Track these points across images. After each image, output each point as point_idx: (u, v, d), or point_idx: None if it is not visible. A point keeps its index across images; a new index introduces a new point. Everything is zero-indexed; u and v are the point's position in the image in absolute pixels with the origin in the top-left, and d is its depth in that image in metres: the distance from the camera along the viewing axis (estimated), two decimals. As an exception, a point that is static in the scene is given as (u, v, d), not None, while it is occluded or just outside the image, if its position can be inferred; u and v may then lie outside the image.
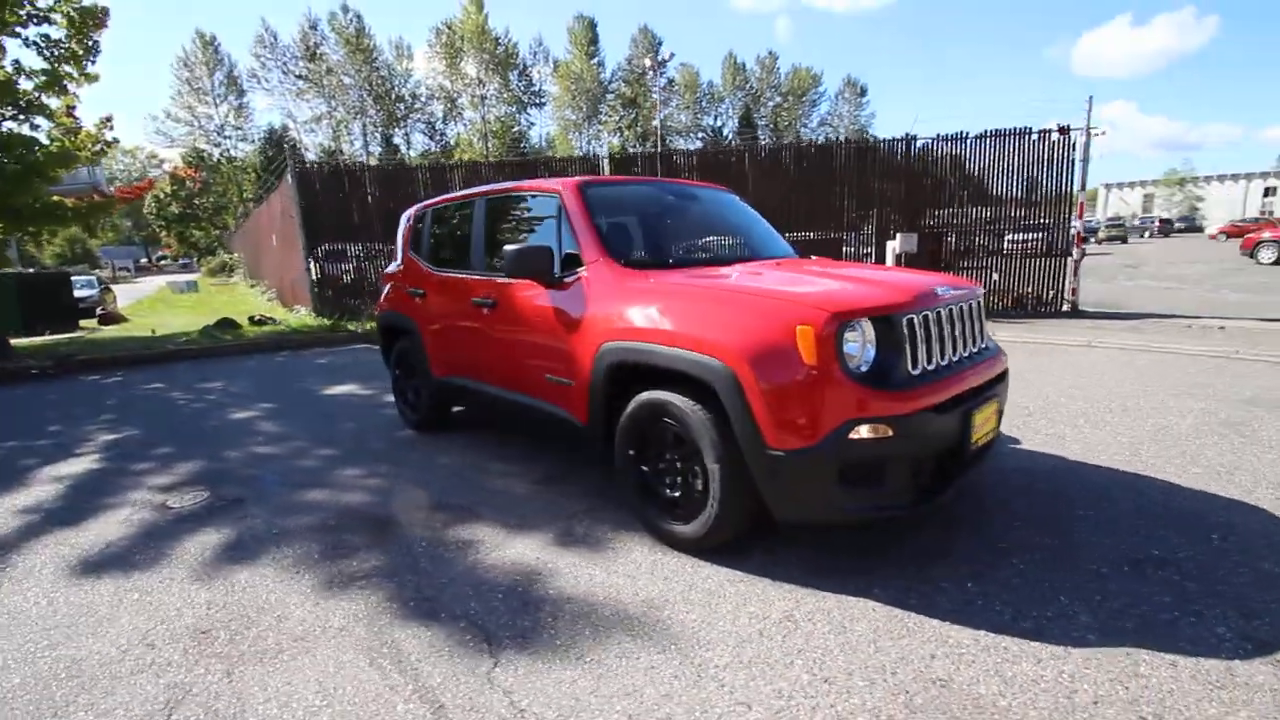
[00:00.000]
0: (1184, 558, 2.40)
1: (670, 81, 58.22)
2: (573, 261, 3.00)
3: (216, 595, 2.43)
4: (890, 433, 2.17)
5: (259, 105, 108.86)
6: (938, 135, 10.34)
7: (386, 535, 2.90)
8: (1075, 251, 9.54)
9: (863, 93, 64.55)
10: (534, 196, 3.38)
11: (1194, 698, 1.70)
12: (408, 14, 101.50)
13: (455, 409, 4.46)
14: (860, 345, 2.23)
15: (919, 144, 10.33)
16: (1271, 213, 46.58)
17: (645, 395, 2.61)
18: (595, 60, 54.66)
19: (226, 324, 10.66)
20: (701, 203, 3.81)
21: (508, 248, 3.06)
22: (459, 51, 47.80)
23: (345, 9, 48.31)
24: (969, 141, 10.02)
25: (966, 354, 2.60)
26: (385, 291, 4.72)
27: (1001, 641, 1.95)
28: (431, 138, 52.43)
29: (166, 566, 2.68)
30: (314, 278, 11.00)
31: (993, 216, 10.21)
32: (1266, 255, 17.68)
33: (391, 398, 5.20)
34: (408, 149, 51.21)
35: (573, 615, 2.20)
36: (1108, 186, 64.37)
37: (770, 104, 63.90)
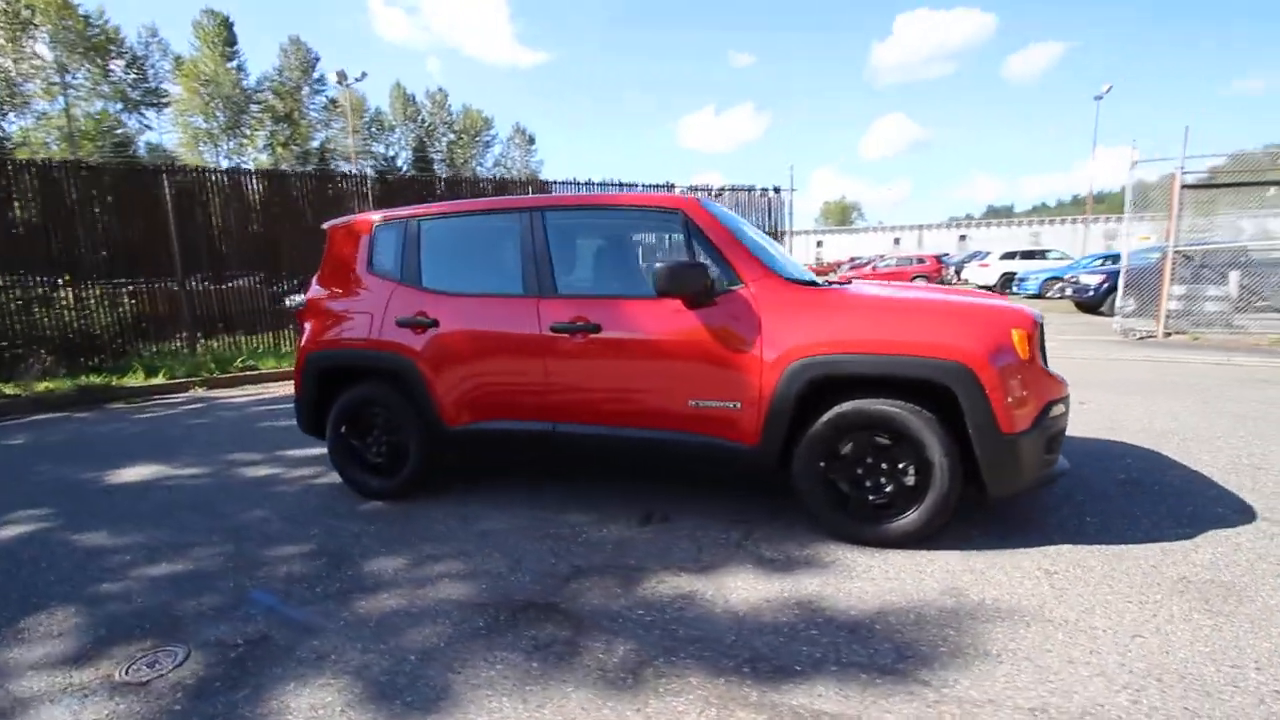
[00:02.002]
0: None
1: (333, 101, 53.23)
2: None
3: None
4: (1063, 409, 2.78)
5: None
6: (692, 187, 12.11)
7: (586, 623, 2.33)
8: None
9: (531, 140, 68.99)
10: (637, 211, 3.09)
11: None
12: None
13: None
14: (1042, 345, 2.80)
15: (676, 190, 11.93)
16: (821, 260, 65.27)
17: (850, 405, 2.71)
18: (234, 64, 46.57)
19: None
20: None
21: (658, 265, 2.79)
22: (26, 24, 35.35)
23: None
24: (725, 194, 12.00)
25: None
26: (314, 326, 3.55)
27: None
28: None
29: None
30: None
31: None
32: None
33: (294, 470, 3.88)
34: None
35: (915, 626, 2.20)
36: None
37: (445, 139, 63.61)
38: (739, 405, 2.85)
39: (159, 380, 7.39)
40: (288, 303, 9.53)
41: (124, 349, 8.08)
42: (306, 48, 51.39)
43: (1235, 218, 12.33)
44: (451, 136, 63.53)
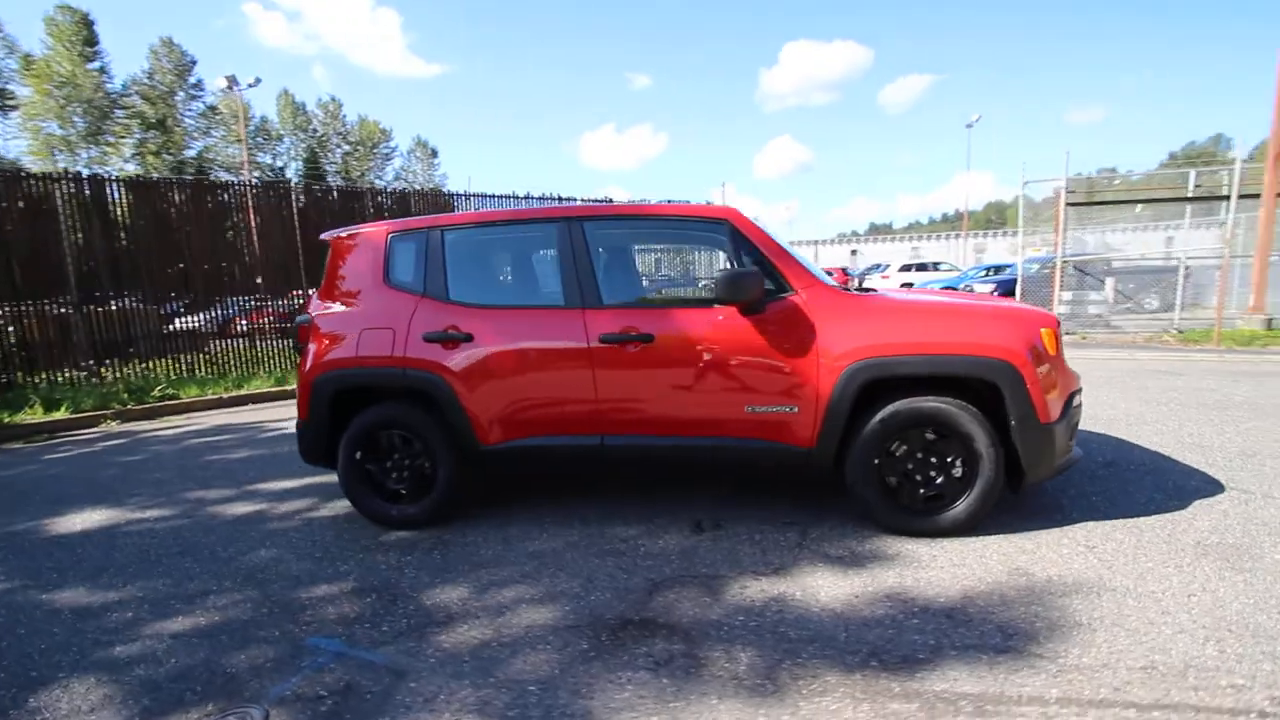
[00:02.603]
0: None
1: (212, 109, 49.17)
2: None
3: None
4: (1080, 400, 3.07)
5: None
6: (601, 199, 12.24)
7: (694, 635, 2.29)
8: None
9: (434, 154, 67.00)
10: (680, 221, 3.10)
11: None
12: None
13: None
14: None
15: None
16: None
17: (903, 404, 2.85)
18: (96, 65, 41.94)
19: None
20: None
21: (733, 272, 2.81)
22: None
23: None
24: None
25: None
26: (322, 345, 3.27)
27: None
28: None
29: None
30: None
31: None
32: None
33: (281, 504, 3.53)
34: None
35: (1003, 606, 2.33)
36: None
37: (339, 151, 60.46)
38: (796, 409, 2.92)
39: (62, 414, 6.46)
40: (177, 325, 8.71)
41: (9, 381, 7.01)
42: (181, 50, 47.25)
43: (1101, 232, 14.08)
44: (346, 148, 60.53)
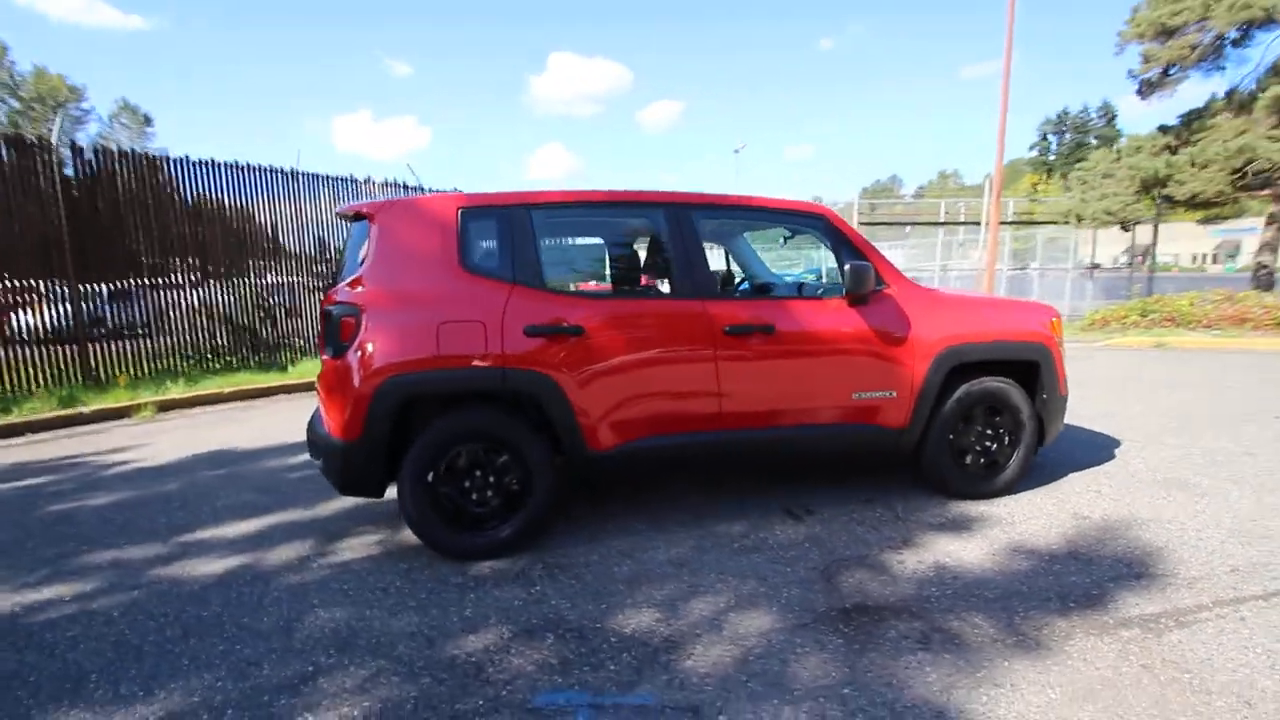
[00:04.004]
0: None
1: None
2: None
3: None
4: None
5: None
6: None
7: (914, 612, 2.36)
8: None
9: (148, 120, 54.77)
10: (779, 214, 3.08)
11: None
12: None
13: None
14: None
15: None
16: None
17: (975, 384, 3.25)
18: None
19: None
20: None
21: (857, 264, 2.92)
22: None
23: None
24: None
25: None
26: (387, 340, 2.60)
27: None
28: None
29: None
30: None
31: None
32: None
33: (271, 553, 2.75)
34: None
35: (1099, 544, 2.83)
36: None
37: (3, 108, 46.03)
38: (894, 394, 3.15)
39: None
40: None
41: None
42: None
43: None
44: (16, 104, 46.47)
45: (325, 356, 2.79)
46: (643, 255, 3.13)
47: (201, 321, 8.11)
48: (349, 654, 2.12)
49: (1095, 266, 15.04)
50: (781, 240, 3.70)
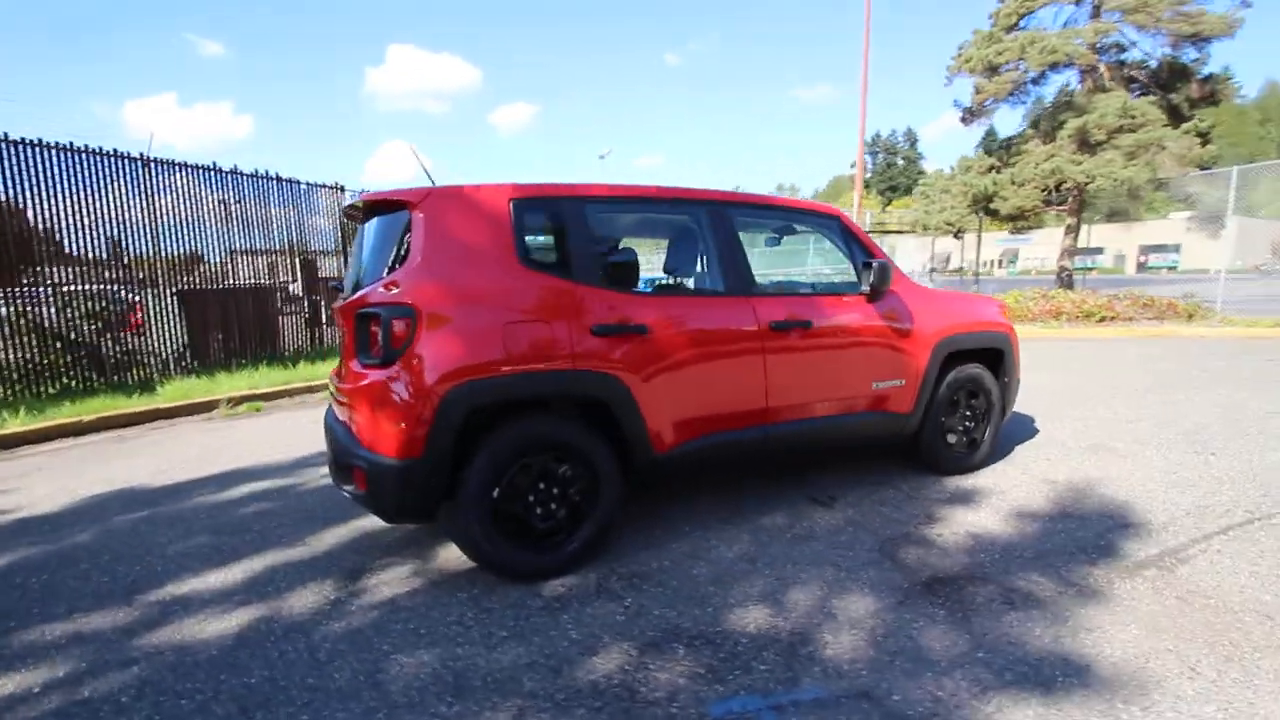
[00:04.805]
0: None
1: None
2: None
3: None
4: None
5: None
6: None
7: (983, 578, 2.58)
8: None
9: None
10: (803, 214, 3.20)
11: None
12: None
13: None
14: None
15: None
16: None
17: (961, 371, 3.62)
18: None
19: None
20: None
21: (881, 262, 3.10)
22: None
23: None
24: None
25: None
26: (448, 344, 2.32)
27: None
28: None
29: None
30: None
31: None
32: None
33: (287, 600, 2.40)
34: None
35: (1078, 502, 3.27)
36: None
37: None
38: (903, 382, 3.42)
39: None
40: None
41: None
42: None
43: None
44: None
45: (360, 366, 2.44)
46: (690, 252, 3.11)
47: (22, 338, 6.58)
48: (474, 698, 1.89)
49: (933, 270, 17.41)
50: (774, 239, 3.85)
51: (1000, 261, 58.26)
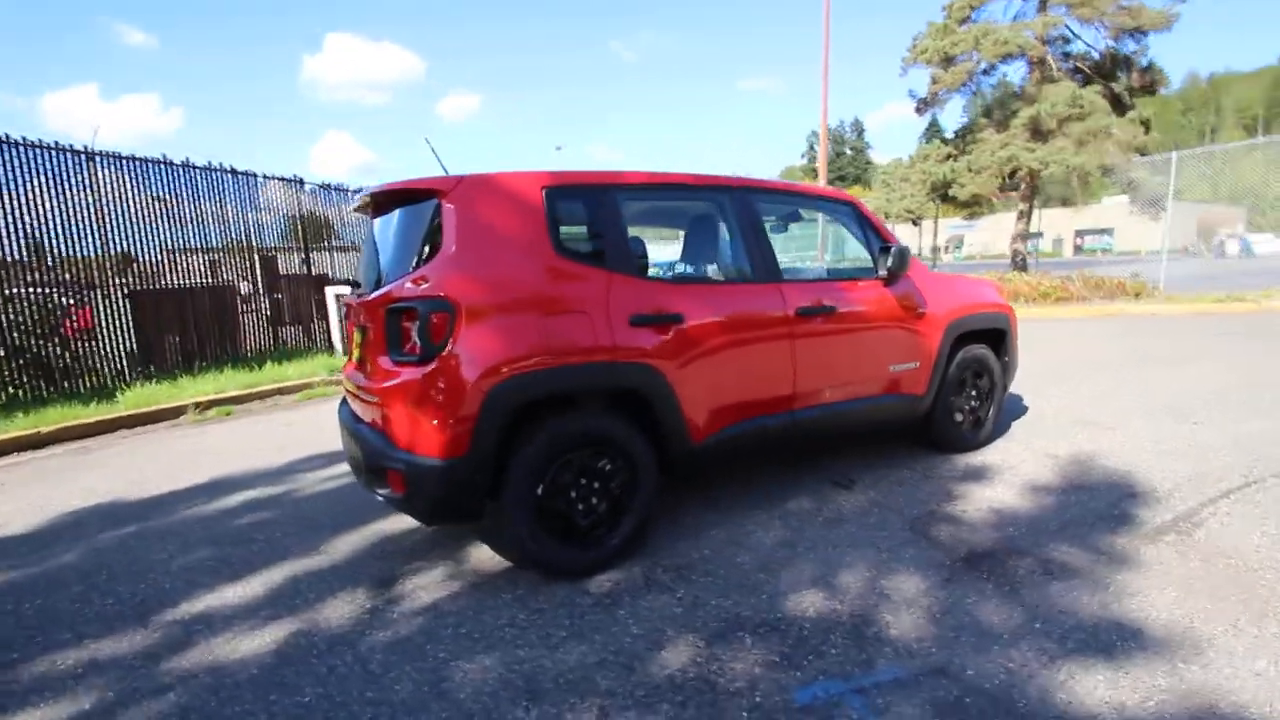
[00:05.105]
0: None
1: None
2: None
3: None
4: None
5: None
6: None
7: (1020, 552, 2.65)
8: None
9: None
10: (821, 200, 3.20)
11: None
12: None
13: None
14: None
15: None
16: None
17: (969, 350, 3.71)
18: None
19: None
20: None
21: (900, 246, 3.13)
22: None
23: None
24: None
25: None
26: (490, 338, 2.22)
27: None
28: None
29: None
30: None
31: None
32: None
33: (288, 620, 2.31)
34: None
35: (1084, 474, 3.40)
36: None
37: None
38: (918, 364, 3.47)
39: None
40: None
41: None
42: None
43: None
44: None
45: (392, 364, 2.31)
46: (717, 239, 3.06)
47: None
48: (550, 700, 1.82)
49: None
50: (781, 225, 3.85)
51: (947, 247, 60.36)
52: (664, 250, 4.11)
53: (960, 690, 1.80)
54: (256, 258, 9.22)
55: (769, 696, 1.81)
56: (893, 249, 3.19)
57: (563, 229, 2.51)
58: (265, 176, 9.21)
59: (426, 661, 2.04)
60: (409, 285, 2.32)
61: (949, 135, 16.01)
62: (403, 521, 3.22)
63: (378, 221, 2.87)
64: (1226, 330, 8.18)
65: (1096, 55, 14.44)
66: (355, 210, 3.00)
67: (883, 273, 3.28)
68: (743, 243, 2.96)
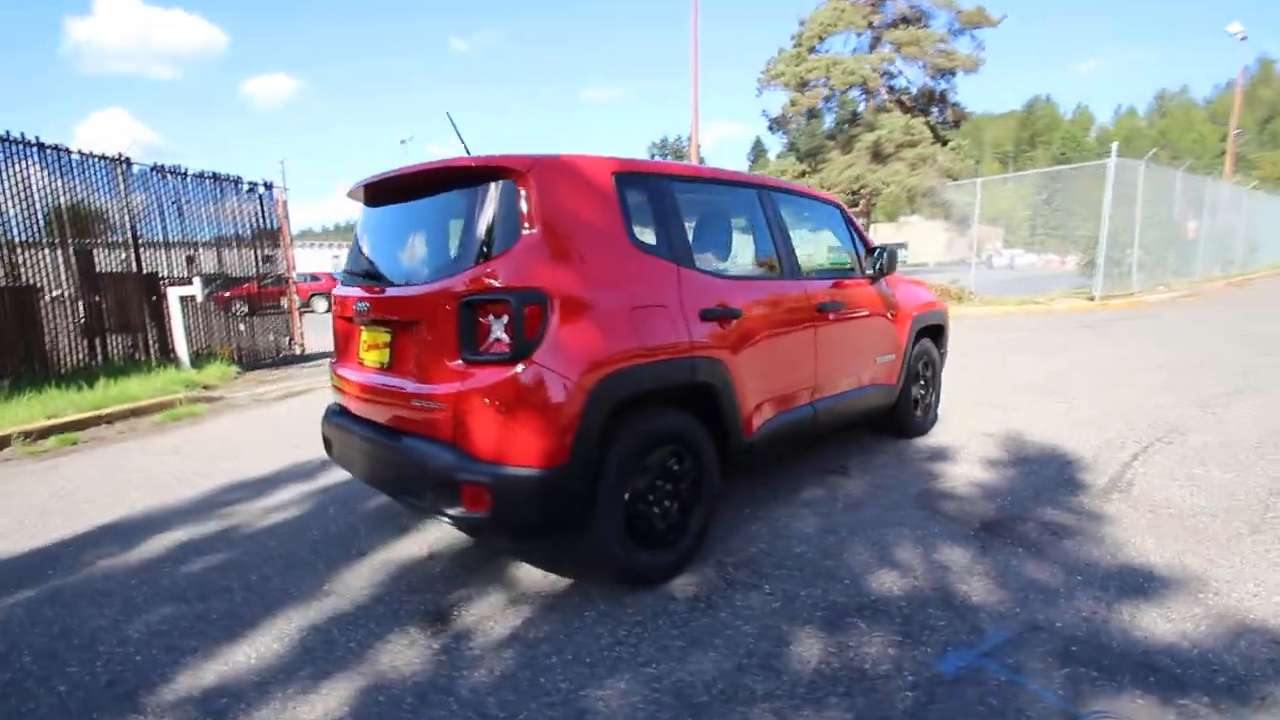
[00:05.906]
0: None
1: None
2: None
3: None
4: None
5: None
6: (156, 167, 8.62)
7: (1030, 518, 2.98)
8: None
9: None
10: (813, 201, 3.33)
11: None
12: None
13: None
14: None
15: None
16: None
17: (921, 343, 4.11)
18: None
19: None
20: None
21: (891, 247, 3.37)
22: None
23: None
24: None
25: None
26: (584, 331, 2.03)
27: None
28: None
29: None
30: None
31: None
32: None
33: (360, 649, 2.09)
34: None
35: (1052, 450, 3.91)
36: None
37: None
38: (894, 356, 3.79)
39: None
40: None
41: None
42: None
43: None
44: None
45: (464, 364, 2.04)
46: (743, 234, 3.07)
47: None
48: (713, 713, 1.73)
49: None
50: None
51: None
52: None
53: (1062, 641, 2.01)
54: (70, 252, 7.52)
55: (918, 673, 1.87)
56: (885, 250, 3.47)
57: (632, 217, 2.39)
58: (82, 154, 7.55)
59: (551, 695, 1.82)
60: (482, 276, 2.06)
61: (800, 154, 17.85)
62: (401, 547, 2.84)
63: (386, 210, 2.52)
64: (1037, 327, 9.92)
65: (914, 91, 16.93)
66: (353, 196, 2.60)
67: (870, 271, 3.55)
68: (771, 239, 3.03)
